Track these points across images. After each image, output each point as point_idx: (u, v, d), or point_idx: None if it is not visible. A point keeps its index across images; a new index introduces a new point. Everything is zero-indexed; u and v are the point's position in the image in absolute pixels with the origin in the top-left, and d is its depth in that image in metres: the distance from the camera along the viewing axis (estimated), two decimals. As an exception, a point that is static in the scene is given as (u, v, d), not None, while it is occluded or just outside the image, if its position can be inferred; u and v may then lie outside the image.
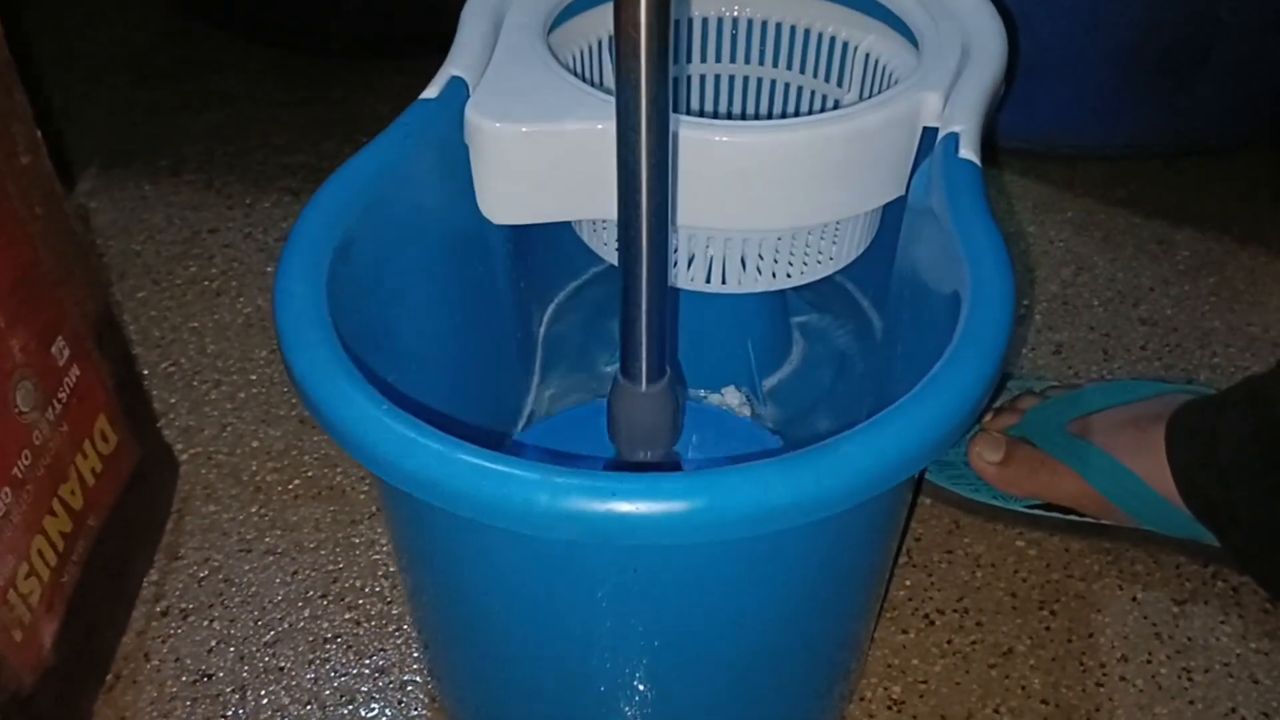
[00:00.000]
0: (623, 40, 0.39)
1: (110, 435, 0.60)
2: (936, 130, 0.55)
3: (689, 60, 0.71)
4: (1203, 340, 0.79)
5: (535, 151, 0.54)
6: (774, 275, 0.61)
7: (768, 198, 0.55)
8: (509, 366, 0.69)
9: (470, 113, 0.54)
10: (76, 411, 0.56)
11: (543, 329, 0.75)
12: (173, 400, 0.74)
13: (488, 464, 0.37)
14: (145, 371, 0.76)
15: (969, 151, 0.51)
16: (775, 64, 0.70)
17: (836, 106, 0.69)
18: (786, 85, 0.71)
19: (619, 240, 0.44)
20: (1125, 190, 0.93)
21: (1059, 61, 0.91)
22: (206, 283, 0.83)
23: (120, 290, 0.82)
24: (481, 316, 0.63)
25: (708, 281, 0.61)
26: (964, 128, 0.53)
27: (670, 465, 0.53)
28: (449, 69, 0.56)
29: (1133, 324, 0.80)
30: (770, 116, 0.73)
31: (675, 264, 0.61)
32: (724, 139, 0.52)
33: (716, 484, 0.36)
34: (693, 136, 0.52)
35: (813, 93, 0.70)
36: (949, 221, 0.48)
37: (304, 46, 1.06)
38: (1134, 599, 0.63)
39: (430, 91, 0.54)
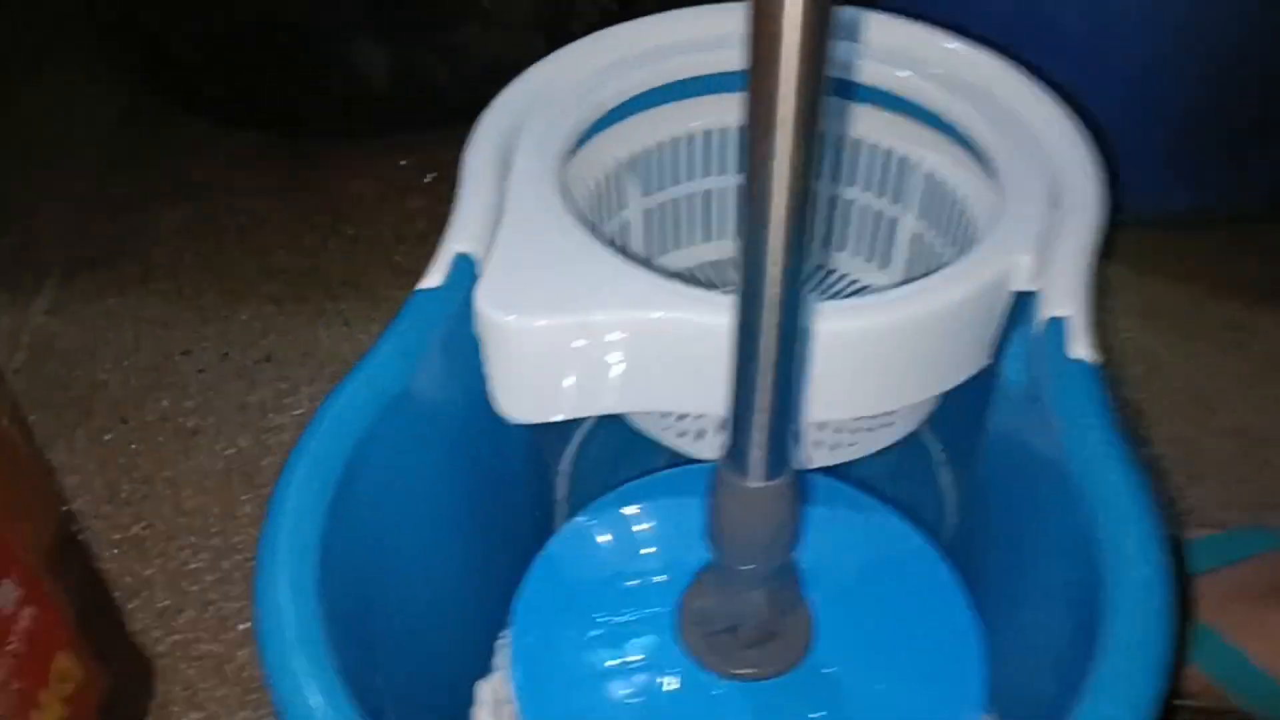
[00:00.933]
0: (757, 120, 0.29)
1: (73, 672, 0.51)
2: (1030, 295, 0.47)
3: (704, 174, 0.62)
4: (1299, 453, 0.71)
5: (558, 346, 0.45)
6: (831, 450, 0.53)
7: (841, 385, 0.46)
8: (521, 538, 0.60)
9: (480, 303, 0.45)
10: (30, 660, 0.48)
11: (563, 480, 0.67)
12: (147, 574, 0.66)
13: None
14: (115, 537, 0.68)
15: (1081, 346, 0.43)
16: (819, 174, 0.62)
17: (894, 228, 0.60)
18: (833, 199, 0.62)
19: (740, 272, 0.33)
20: (1192, 264, 0.84)
21: (1116, 122, 0.82)
22: (181, 420, 0.75)
23: (86, 433, 0.74)
24: (491, 502, 0.54)
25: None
26: (1072, 312, 0.44)
27: (784, 575, 0.43)
28: (451, 245, 0.47)
29: (1216, 437, 0.72)
30: (827, 243, 0.64)
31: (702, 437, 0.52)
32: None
33: None
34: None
35: (864, 209, 0.61)
36: (1065, 451, 0.40)
37: (281, 128, 0.96)
38: (1255, 800, 0.55)
39: (432, 279, 0.46)
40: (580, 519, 0.50)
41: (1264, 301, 0.81)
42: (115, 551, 0.67)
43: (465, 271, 0.46)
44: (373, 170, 0.92)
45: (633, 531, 0.50)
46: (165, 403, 0.76)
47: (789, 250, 0.31)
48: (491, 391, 0.47)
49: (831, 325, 0.44)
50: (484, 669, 0.55)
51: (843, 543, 0.49)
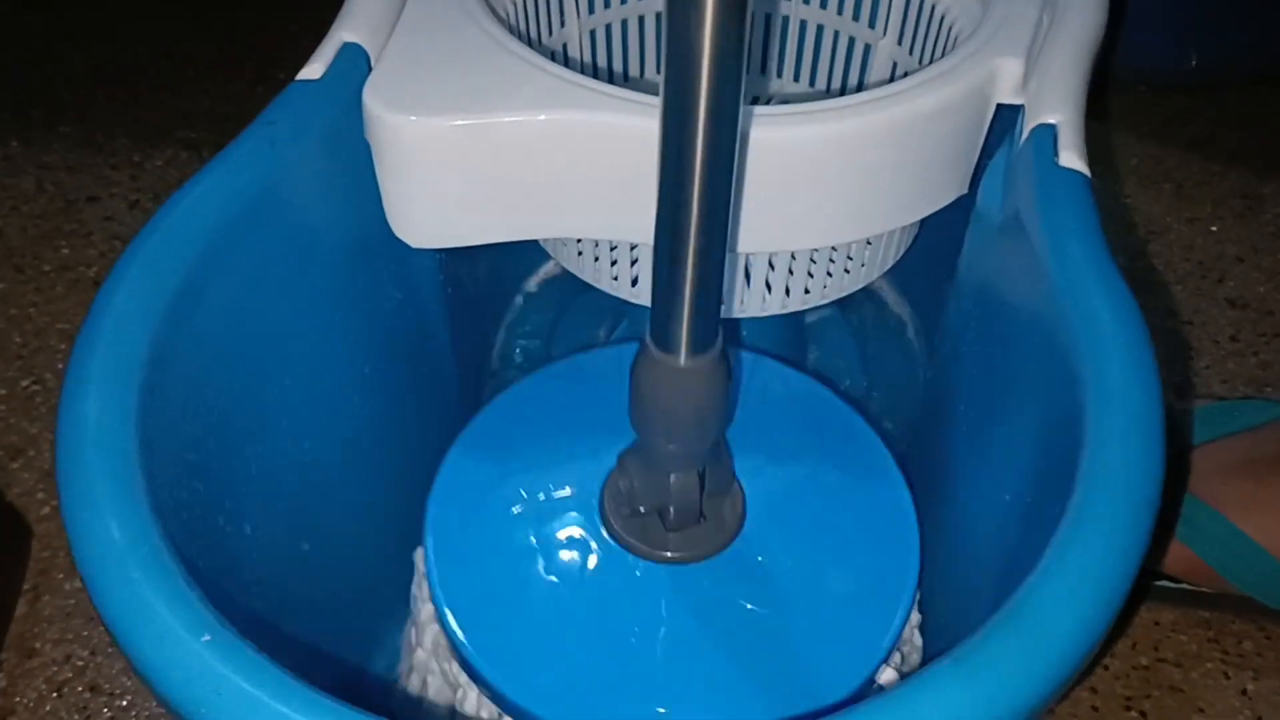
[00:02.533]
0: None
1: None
2: (1016, 109, 0.40)
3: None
4: (1303, 326, 0.65)
5: (464, 154, 0.38)
6: (788, 294, 0.46)
7: (792, 210, 0.40)
8: (446, 403, 0.54)
9: (370, 100, 0.38)
10: None
11: (498, 349, 0.60)
12: (33, 431, 0.60)
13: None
14: (2, 392, 0.61)
15: (1073, 155, 0.36)
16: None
17: (868, 54, 0.53)
18: (803, 24, 0.55)
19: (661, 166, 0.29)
20: (1198, 129, 0.77)
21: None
22: (82, 268, 0.68)
23: (-26, 282, 0.67)
24: (404, 357, 0.48)
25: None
26: (1062, 118, 0.38)
27: (713, 457, 0.38)
28: (340, 33, 0.40)
29: (1219, 306, 0.66)
30: (780, 73, 0.57)
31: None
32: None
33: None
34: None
35: (836, 34, 0.54)
36: (1051, 266, 0.34)
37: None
38: (1243, 692, 0.50)
39: (313, 69, 0.39)
40: (508, 395, 0.45)
41: (1277, 169, 0.74)
42: (1, 408, 0.61)
43: (355, 64, 0.39)
44: (311, 15, 0.84)
45: (563, 409, 0.45)
46: (66, 251, 0.69)
47: (725, 24, 0.25)
48: (385, 208, 0.41)
49: (786, 133, 0.37)
50: (409, 540, 0.50)
51: (780, 423, 0.44)
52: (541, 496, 0.41)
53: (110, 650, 0.51)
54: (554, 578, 0.39)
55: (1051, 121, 0.37)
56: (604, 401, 0.43)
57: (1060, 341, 0.32)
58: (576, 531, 0.40)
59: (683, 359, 0.32)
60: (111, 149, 0.75)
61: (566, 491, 0.41)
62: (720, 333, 0.33)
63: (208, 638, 0.25)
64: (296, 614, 0.39)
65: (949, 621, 0.41)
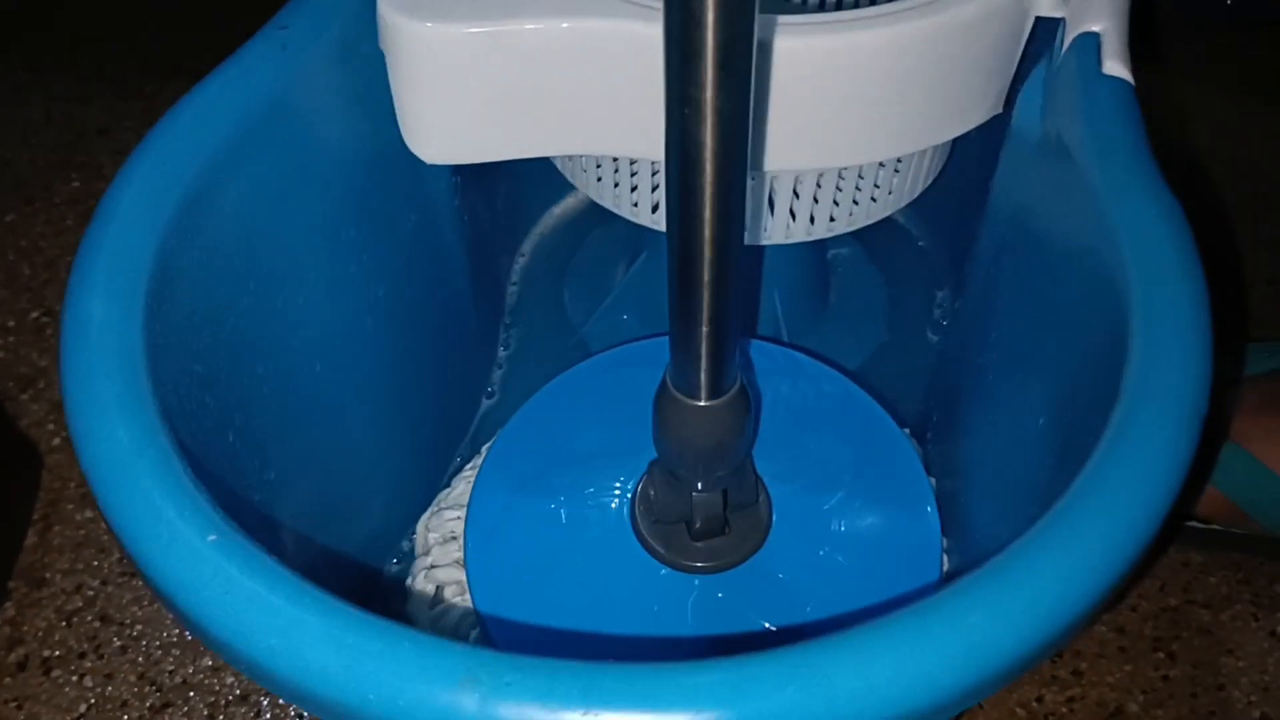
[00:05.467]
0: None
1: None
2: (1057, 22, 0.39)
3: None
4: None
5: (483, 63, 0.37)
6: (812, 221, 0.45)
7: (819, 125, 0.38)
8: (462, 334, 0.53)
9: (384, 5, 0.37)
10: None
11: (516, 280, 0.59)
12: (43, 363, 0.59)
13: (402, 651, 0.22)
14: (11, 323, 0.60)
15: (1117, 63, 0.35)
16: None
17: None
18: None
19: (669, 196, 0.28)
20: (1237, 66, 0.75)
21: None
22: (93, 201, 0.66)
23: (-17, 213, 0.66)
24: (419, 283, 0.47)
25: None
26: (1105, 25, 0.36)
27: (737, 475, 0.38)
28: (354, -64, 0.39)
29: (1259, 249, 0.64)
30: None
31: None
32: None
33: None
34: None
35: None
36: (1095, 178, 0.32)
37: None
38: (1273, 634, 0.49)
39: (326, -27, 0.37)
40: (556, 383, 0.45)
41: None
42: (10, 339, 0.60)
43: (370, -31, 0.38)
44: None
45: (612, 398, 0.44)
46: (77, 183, 0.68)
47: None
48: (400, 121, 0.39)
49: (815, 42, 0.36)
50: (415, 481, 0.49)
51: (812, 427, 0.43)
52: (578, 492, 0.41)
53: (121, 580, 0.50)
54: (579, 578, 0.39)
55: (1095, 30, 0.36)
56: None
57: (1105, 254, 0.30)
58: (607, 534, 0.40)
59: (703, 400, 0.32)
60: (121, 80, 0.74)
61: (602, 490, 0.41)
62: (739, 375, 0.33)
63: (214, 537, 0.24)
64: (307, 526, 0.38)
65: (981, 548, 0.40)
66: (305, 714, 0.46)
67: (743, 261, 0.29)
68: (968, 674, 0.22)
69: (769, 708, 0.21)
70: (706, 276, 0.28)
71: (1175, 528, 0.51)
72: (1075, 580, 0.23)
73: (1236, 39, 0.77)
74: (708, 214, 0.27)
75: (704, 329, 0.30)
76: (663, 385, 0.34)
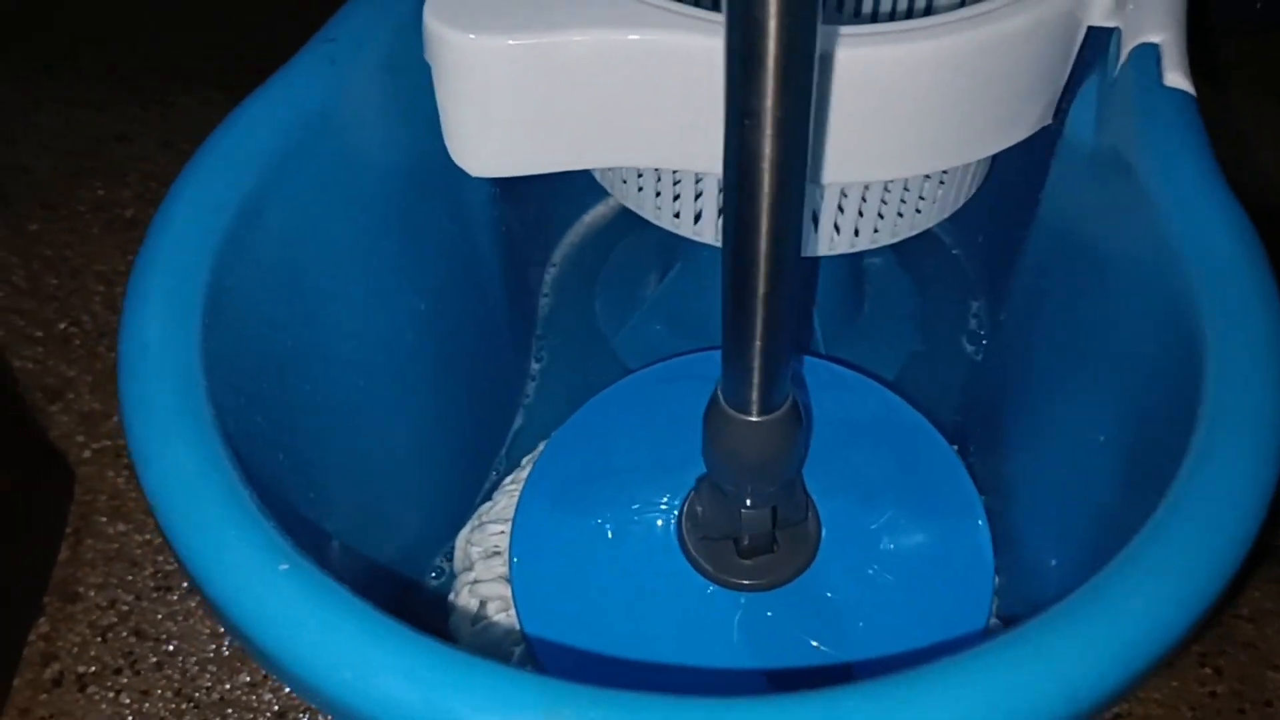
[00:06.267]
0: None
1: (-42, 464, 0.44)
2: (1110, 32, 0.38)
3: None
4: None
5: (527, 75, 0.37)
6: (856, 234, 0.44)
7: (869, 137, 0.38)
8: (497, 347, 0.52)
9: (431, 16, 0.36)
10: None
11: (547, 291, 0.59)
12: (71, 374, 0.58)
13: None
14: (38, 334, 0.60)
15: (1178, 75, 0.34)
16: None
17: (934, -16, 0.51)
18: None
19: (727, 207, 0.27)
20: (1263, 70, 0.75)
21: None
22: (117, 210, 0.66)
23: (4, 222, 0.65)
24: (457, 297, 0.46)
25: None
26: (1165, 37, 0.36)
27: (786, 493, 0.38)
28: (398, -52, 0.38)
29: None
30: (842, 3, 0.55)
31: (721, 221, 0.44)
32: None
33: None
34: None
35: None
36: (1157, 191, 0.32)
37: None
38: (1319, 647, 0.48)
39: (371, -15, 0.37)
40: (598, 399, 0.45)
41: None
42: (38, 350, 0.59)
43: (414, -19, 0.38)
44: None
45: (651, 417, 0.44)
46: (100, 191, 0.67)
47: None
48: (444, 133, 0.39)
49: (868, 53, 0.35)
50: (450, 496, 0.48)
51: (864, 446, 0.43)
52: (623, 508, 0.41)
53: (155, 595, 0.50)
54: (626, 596, 0.38)
55: (1154, 41, 0.35)
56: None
57: (1168, 268, 0.30)
58: (652, 550, 0.39)
59: (754, 415, 0.32)
60: (139, 87, 0.73)
61: (646, 506, 0.41)
62: (791, 392, 0.32)
63: (285, 567, 0.23)
64: (347, 543, 0.38)
65: (1033, 567, 0.40)
66: (344, 731, 0.45)
67: (798, 276, 0.28)
68: (1059, 708, 0.21)
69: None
70: (762, 290, 0.28)
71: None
72: (1172, 606, 0.22)
73: (1262, 42, 0.76)
74: (764, 227, 0.26)
75: (757, 344, 0.29)
76: (713, 399, 0.33)
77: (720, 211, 0.42)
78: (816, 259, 0.51)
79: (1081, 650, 0.21)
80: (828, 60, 0.35)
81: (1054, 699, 0.21)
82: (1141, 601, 0.22)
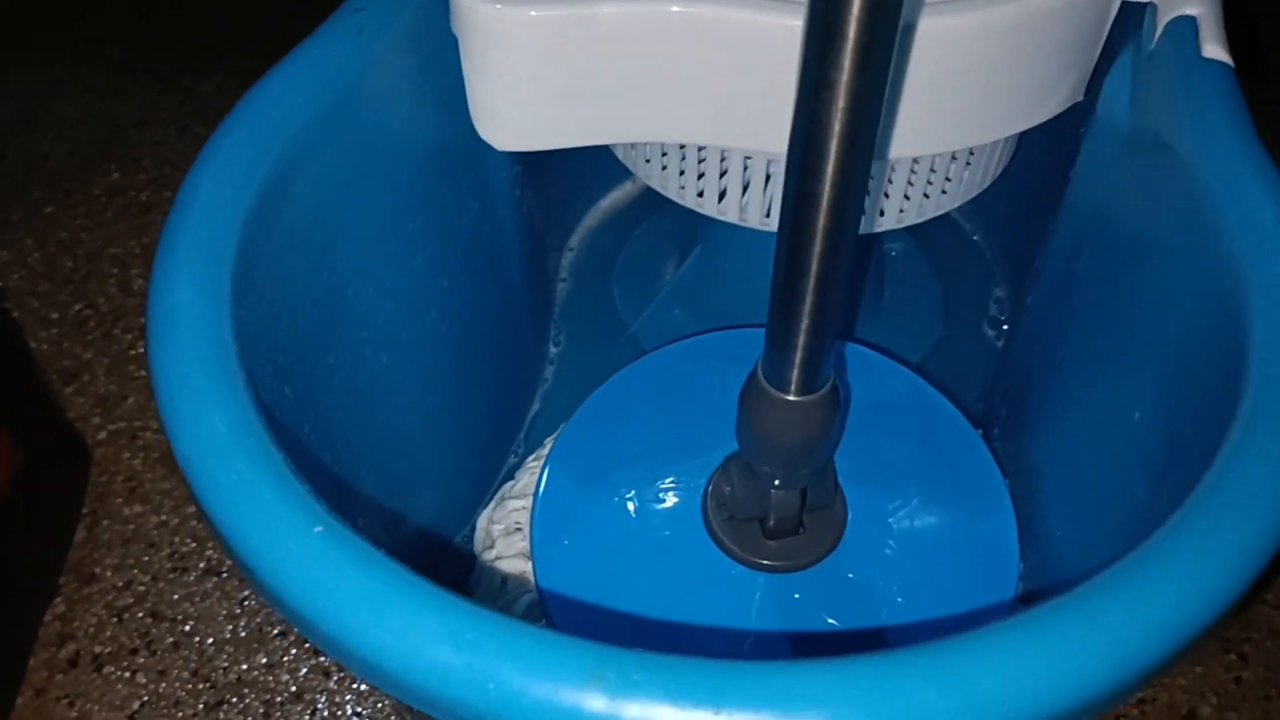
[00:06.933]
0: None
1: (-23, 442, 0.44)
2: (1144, 7, 0.38)
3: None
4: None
5: (553, 47, 0.36)
6: (882, 214, 0.44)
7: (907, 113, 0.37)
8: (517, 329, 0.52)
9: (458, -12, 0.36)
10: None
11: (565, 275, 0.58)
12: (87, 356, 0.58)
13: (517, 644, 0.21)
14: (54, 315, 0.60)
15: (1216, 46, 0.34)
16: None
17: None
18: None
19: (788, 181, 0.26)
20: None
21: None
22: (133, 194, 0.66)
23: (21, 206, 0.65)
24: (478, 276, 0.46)
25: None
26: (1201, 10, 0.35)
27: (819, 477, 0.37)
28: (426, -82, 0.38)
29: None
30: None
31: (746, 200, 0.44)
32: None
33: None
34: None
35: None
36: (1198, 163, 0.31)
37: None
38: (1346, 634, 0.48)
39: (399, -46, 0.37)
40: (618, 378, 0.44)
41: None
42: (53, 332, 0.59)
43: (442, -48, 0.37)
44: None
45: (671, 396, 0.43)
46: (116, 176, 0.67)
47: None
48: (470, 105, 0.38)
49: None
50: (469, 477, 0.48)
51: (893, 431, 0.42)
52: (645, 487, 0.41)
53: (171, 575, 0.50)
54: (649, 574, 0.38)
55: (1190, 13, 0.35)
56: (729, 386, 0.41)
57: (1211, 241, 0.29)
58: (677, 528, 0.39)
59: (793, 394, 0.31)
60: (158, 74, 0.73)
61: (674, 484, 0.41)
62: (832, 373, 0.32)
63: (320, 529, 0.23)
64: (368, 521, 0.38)
65: (1056, 553, 0.39)
66: (363, 713, 0.45)
67: (852, 256, 0.28)
68: (1108, 676, 0.21)
69: (907, 708, 0.20)
70: (815, 268, 0.27)
71: None
72: (1218, 578, 0.22)
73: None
74: (825, 202, 0.26)
75: (804, 321, 0.29)
76: (752, 377, 0.33)
77: (745, 189, 0.42)
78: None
79: (1132, 613, 0.21)
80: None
81: (1104, 660, 0.21)
82: (1193, 567, 0.22)
